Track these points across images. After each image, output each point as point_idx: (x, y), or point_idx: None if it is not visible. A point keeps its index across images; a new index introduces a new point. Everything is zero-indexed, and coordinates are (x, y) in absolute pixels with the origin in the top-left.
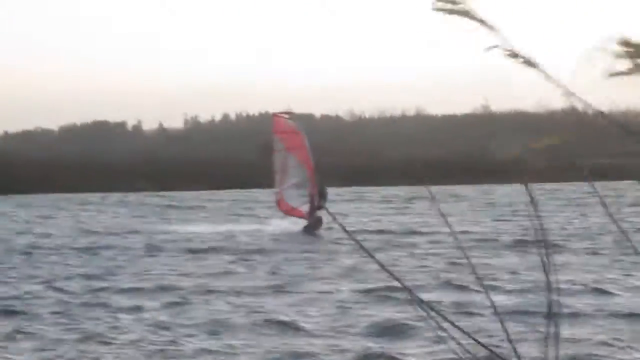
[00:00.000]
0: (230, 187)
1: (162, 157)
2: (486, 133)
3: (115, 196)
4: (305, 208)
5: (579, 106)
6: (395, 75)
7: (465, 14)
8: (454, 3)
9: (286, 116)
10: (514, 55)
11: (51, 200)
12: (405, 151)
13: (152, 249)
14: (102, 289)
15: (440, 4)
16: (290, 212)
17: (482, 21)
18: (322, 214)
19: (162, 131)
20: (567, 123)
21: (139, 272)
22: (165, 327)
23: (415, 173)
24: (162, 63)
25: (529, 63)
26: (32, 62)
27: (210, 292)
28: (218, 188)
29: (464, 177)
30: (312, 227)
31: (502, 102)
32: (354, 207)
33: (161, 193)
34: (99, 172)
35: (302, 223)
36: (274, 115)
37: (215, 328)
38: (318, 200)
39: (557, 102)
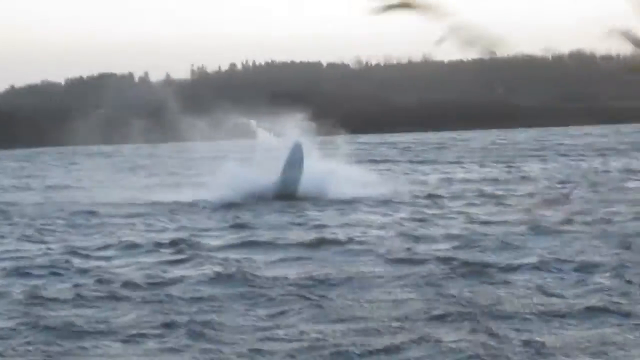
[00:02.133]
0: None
1: (170, 108)
2: (494, 78)
3: (127, 147)
4: None
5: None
6: (402, 23)
7: (415, 6)
8: None
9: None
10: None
11: (60, 153)
12: (412, 97)
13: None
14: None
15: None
16: None
17: (432, 8)
18: None
19: (169, 82)
20: (574, 67)
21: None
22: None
23: (425, 119)
24: (167, 14)
25: (490, 51)
26: (37, 16)
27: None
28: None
29: (473, 122)
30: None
31: (509, 47)
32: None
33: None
34: (108, 123)
35: None
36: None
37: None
38: None
39: (563, 46)
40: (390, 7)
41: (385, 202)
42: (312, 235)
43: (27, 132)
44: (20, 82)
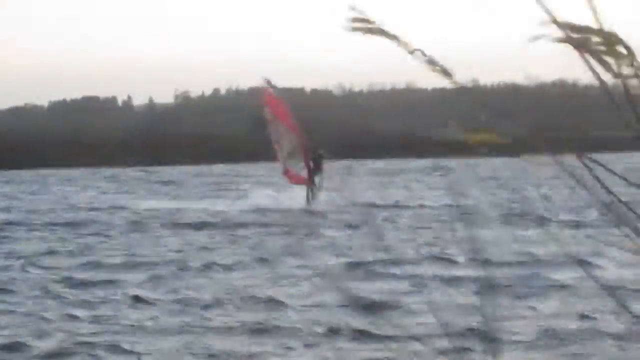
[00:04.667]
0: (221, 162)
1: (153, 133)
2: (477, 106)
3: (106, 172)
4: (303, 173)
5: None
6: (386, 49)
7: (381, 32)
8: (369, 22)
9: (270, 86)
10: (436, 66)
11: (40, 175)
12: (395, 124)
13: (136, 225)
14: (82, 265)
15: (356, 25)
16: (293, 178)
17: (395, 37)
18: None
19: (152, 106)
20: (557, 95)
21: (122, 247)
22: (145, 301)
23: (407, 145)
24: (153, 38)
25: (448, 74)
26: (21, 38)
27: (190, 267)
28: (208, 163)
29: (452, 150)
30: (313, 191)
31: (492, 75)
32: (343, 181)
33: (150, 168)
34: (89, 147)
35: (287, 197)
36: (262, 88)
37: (193, 302)
38: (314, 163)
39: (546, 75)
40: (366, 30)
41: None
42: None
43: (7, 154)
44: (3, 104)
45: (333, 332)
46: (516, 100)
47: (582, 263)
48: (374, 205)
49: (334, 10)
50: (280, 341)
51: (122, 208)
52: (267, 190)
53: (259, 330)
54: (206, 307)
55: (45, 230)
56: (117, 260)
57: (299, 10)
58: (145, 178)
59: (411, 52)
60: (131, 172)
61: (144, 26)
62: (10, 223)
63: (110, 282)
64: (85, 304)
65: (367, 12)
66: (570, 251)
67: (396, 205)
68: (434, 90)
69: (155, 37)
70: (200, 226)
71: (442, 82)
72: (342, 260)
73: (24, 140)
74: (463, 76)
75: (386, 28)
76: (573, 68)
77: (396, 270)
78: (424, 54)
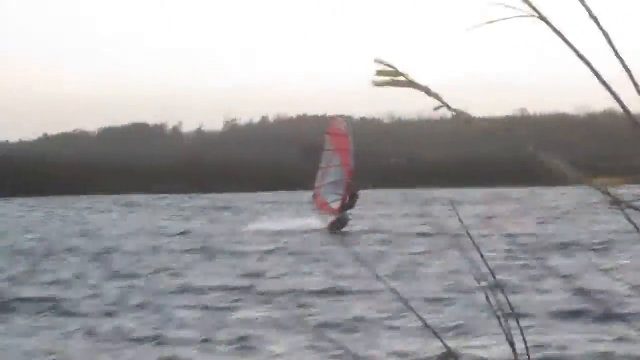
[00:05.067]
0: (269, 189)
1: (201, 160)
2: (525, 136)
3: (155, 197)
4: (336, 205)
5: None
6: (434, 76)
7: (408, 84)
8: (395, 75)
9: (341, 119)
10: (463, 117)
11: (92, 201)
12: (444, 153)
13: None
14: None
15: (380, 79)
16: (323, 207)
17: (426, 89)
18: (348, 214)
19: (200, 133)
20: (608, 126)
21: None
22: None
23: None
24: (201, 65)
25: (468, 121)
26: (72, 66)
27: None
28: (256, 190)
29: (504, 179)
30: (338, 224)
31: (541, 105)
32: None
33: (202, 195)
34: (138, 174)
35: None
36: (330, 117)
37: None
38: (349, 200)
39: (596, 105)
40: (388, 83)
41: None
42: None
43: (59, 180)
44: (53, 130)
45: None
46: (567, 131)
47: None
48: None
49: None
50: None
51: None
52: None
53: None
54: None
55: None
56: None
57: (344, 40)
58: (206, 205)
59: (437, 108)
60: (181, 199)
61: (194, 56)
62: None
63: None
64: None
65: (395, 62)
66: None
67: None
68: (482, 119)
69: (205, 66)
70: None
71: (491, 111)
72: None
73: (74, 166)
74: (511, 106)
75: (413, 78)
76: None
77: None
78: (453, 110)
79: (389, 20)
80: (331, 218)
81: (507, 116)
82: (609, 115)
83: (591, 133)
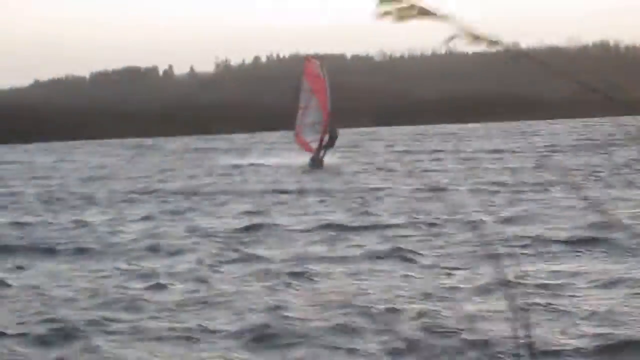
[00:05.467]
0: (265, 130)
1: (195, 102)
2: (519, 70)
3: (151, 141)
4: (314, 145)
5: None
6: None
7: (417, 10)
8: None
9: (316, 61)
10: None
11: (92, 146)
12: (436, 89)
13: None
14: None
15: (385, 8)
16: (303, 145)
17: (433, 13)
18: (324, 155)
19: (193, 76)
20: (599, 57)
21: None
22: None
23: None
24: (192, 7)
25: (495, 43)
26: (62, 10)
27: None
28: (252, 131)
29: (494, 114)
30: (315, 163)
31: (534, 38)
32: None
33: (197, 136)
34: (132, 118)
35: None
36: (306, 58)
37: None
38: (327, 141)
39: (588, 37)
40: (400, 16)
41: None
42: None
43: (53, 126)
44: (44, 76)
45: None
46: (558, 63)
47: None
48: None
49: None
50: None
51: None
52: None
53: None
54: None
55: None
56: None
57: None
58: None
59: (449, 40)
60: (181, 142)
61: None
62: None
63: None
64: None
65: None
66: None
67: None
68: (475, 54)
69: (195, 5)
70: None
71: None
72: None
73: (66, 111)
74: (503, 39)
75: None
76: (615, 29)
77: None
78: (463, 28)
79: None
80: (311, 155)
81: (498, 52)
82: (600, 47)
83: (583, 65)
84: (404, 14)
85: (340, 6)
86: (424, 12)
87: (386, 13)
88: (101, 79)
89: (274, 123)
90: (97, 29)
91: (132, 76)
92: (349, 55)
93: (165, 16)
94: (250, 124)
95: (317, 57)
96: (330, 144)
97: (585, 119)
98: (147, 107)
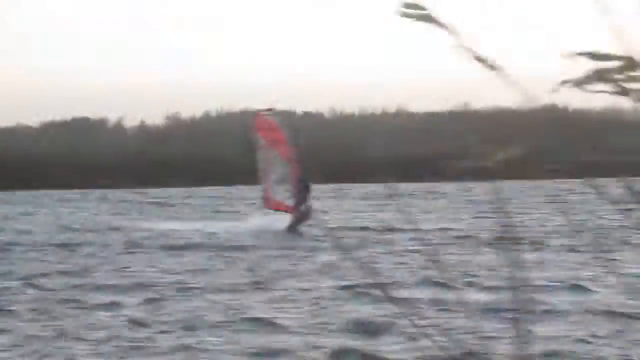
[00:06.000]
0: (213, 184)
1: (144, 154)
2: (468, 130)
3: (96, 193)
4: (290, 202)
5: (559, 104)
6: (375, 73)
7: (431, 19)
8: (420, 9)
9: (268, 113)
10: (480, 59)
11: (31, 197)
12: (386, 148)
13: (131, 246)
14: (79, 286)
15: (406, 10)
16: (278, 206)
17: (447, 27)
18: (308, 206)
19: (143, 128)
20: (548, 120)
21: (117, 268)
22: (142, 323)
23: (396, 170)
24: (142, 60)
25: (492, 67)
26: (12, 59)
27: (188, 289)
28: (201, 185)
29: (443, 175)
30: (299, 221)
31: (484, 99)
32: (335, 204)
33: (142, 190)
34: (80, 168)
35: (284, 220)
36: (257, 113)
37: (192, 324)
38: (303, 193)
39: (539, 100)
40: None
41: None
42: None
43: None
44: None
45: (335, 356)
46: (509, 125)
47: (577, 287)
48: (367, 229)
49: (322, 29)
50: None
51: (116, 229)
52: (260, 213)
53: (258, 354)
54: (205, 329)
55: (41, 251)
56: (115, 281)
57: (286, 36)
58: (137, 199)
59: (459, 46)
60: (123, 194)
61: (135, 50)
62: (7, 244)
63: (109, 304)
64: (82, 326)
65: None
66: (565, 276)
67: (390, 229)
68: (426, 114)
69: (146, 63)
70: (196, 247)
71: (433, 107)
72: (338, 283)
73: (15, 161)
74: (454, 101)
75: (437, 17)
76: (564, 92)
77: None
78: (472, 50)
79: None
80: (288, 216)
81: (449, 111)
82: (548, 110)
83: (533, 128)
84: (422, 19)
85: (292, 62)
86: (437, 24)
87: (408, 15)
88: (50, 129)
89: (228, 177)
90: (45, 77)
91: (82, 127)
92: (299, 111)
93: (112, 69)
94: (200, 178)
95: (267, 109)
96: (305, 196)
97: (537, 181)
98: (97, 159)
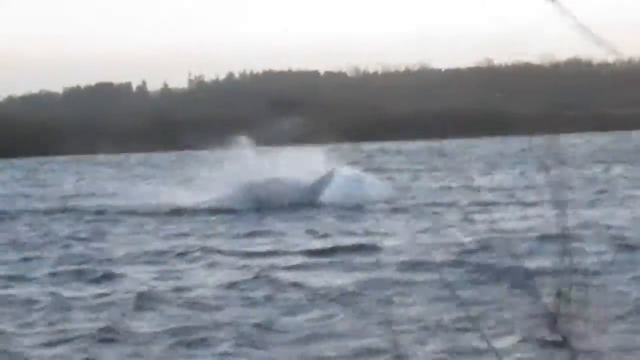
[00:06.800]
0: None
1: (168, 118)
2: (490, 86)
3: (118, 157)
4: None
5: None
6: (399, 30)
7: None
8: None
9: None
10: None
11: (61, 162)
12: (409, 106)
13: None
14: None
15: None
16: None
17: None
18: None
19: (166, 91)
20: (571, 74)
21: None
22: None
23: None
24: (165, 23)
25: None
26: (36, 27)
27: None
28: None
29: (469, 130)
30: None
31: (506, 55)
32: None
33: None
34: (104, 134)
35: None
36: None
37: None
38: None
39: (560, 54)
40: None
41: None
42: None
43: (26, 142)
44: (18, 91)
45: None
46: (531, 80)
47: None
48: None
49: None
50: None
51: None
52: None
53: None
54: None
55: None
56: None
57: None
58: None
59: None
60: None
61: (157, 15)
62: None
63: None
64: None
65: None
66: None
67: None
68: (448, 70)
69: (168, 23)
70: None
71: (455, 63)
72: None
73: (39, 128)
74: (477, 57)
75: None
76: (587, 46)
77: None
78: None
79: None
80: None
81: (471, 68)
82: (572, 64)
83: (555, 82)
84: None
85: (314, 22)
86: None
87: None
88: (74, 95)
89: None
90: (68, 44)
91: (105, 92)
92: (322, 71)
93: (138, 32)
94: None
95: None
96: None
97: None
98: (122, 123)
